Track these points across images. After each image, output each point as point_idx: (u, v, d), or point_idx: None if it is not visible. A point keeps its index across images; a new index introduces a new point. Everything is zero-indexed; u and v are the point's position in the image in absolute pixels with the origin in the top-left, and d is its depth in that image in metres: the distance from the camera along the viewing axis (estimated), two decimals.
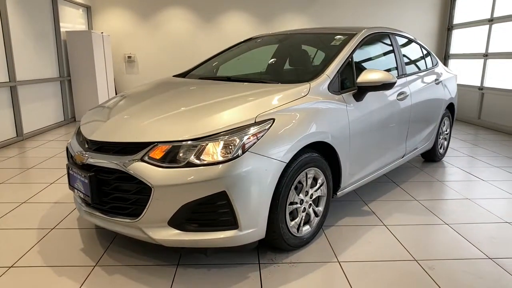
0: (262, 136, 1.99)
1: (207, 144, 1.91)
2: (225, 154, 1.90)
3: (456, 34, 8.13)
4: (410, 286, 1.99)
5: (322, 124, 2.33)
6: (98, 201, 2.10)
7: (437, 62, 4.22)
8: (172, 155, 1.91)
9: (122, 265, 2.15)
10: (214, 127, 1.97)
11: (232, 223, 1.95)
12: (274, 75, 3.34)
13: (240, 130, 1.97)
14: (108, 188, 2.05)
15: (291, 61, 3.36)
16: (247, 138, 1.95)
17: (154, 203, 1.89)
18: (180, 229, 1.95)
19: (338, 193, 2.65)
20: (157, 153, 1.92)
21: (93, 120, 2.41)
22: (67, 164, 2.31)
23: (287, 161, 2.07)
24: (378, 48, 3.30)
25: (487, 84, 6.89)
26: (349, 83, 2.69)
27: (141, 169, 1.90)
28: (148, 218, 1.94)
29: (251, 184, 1.93)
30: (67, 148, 2.47)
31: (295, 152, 2.12)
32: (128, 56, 8.10)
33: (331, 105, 2.46)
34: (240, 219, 1.94)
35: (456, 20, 8.10)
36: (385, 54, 3.35)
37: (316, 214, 2.44)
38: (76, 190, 2.24)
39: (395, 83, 2.62)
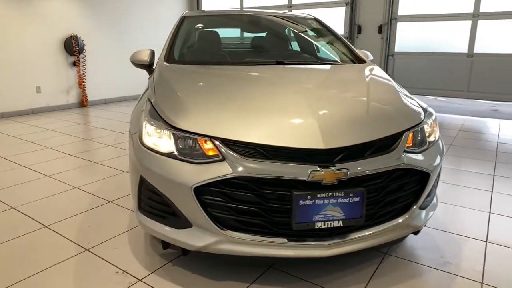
0: None
1: (427, 125, 2.08)
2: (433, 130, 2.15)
3: None
4: None
5: None
6: (366, 218, 1.80)
7: None
8: (414, 140, 1.97)
9: None
10: (418, 106, 2.18)
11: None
12: (317, 56, 3.23)
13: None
14: (379, 195, 1.81)
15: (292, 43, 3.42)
16: None
17: (426, 189, 1.94)
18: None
19: None
20: (408, 141, 1.93)
21: (258, 131, 1.78)
22: (295, 195, 1.67)
23: None
24: None
25: None
26: None
27: (413, 159, 1.88)
28: (416, 207, 1.94)
29: None
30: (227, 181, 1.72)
31: None
32: None
33: None
34: None
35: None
36: None
37: None
38: (320, 223, 1.74)
39: None
